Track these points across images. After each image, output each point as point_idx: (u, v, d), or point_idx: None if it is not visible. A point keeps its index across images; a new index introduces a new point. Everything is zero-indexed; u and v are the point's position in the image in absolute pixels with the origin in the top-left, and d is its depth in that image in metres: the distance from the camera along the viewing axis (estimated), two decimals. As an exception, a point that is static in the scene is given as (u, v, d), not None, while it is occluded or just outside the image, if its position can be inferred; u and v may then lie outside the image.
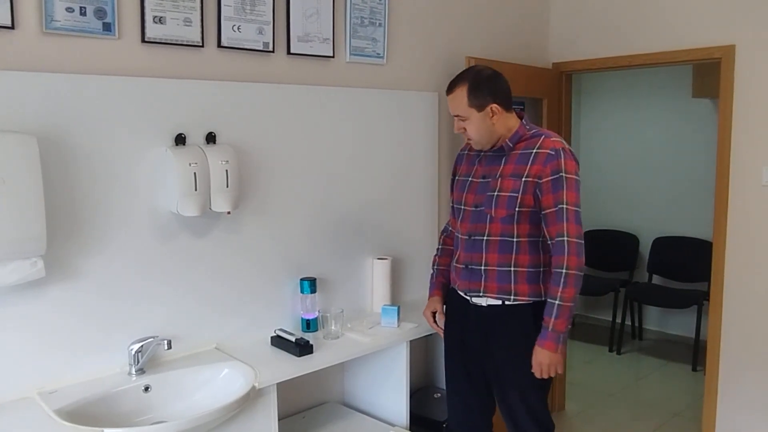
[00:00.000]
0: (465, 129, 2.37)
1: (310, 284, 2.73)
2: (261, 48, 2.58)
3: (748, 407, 3.40)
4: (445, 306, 2.62)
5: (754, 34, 3.23)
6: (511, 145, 2.36)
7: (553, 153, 2.27)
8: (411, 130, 3.20)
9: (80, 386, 2.15)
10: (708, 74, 4.52)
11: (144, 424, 2.13)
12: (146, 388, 2.21)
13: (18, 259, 1.95)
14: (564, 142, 2.34)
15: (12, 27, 1.98)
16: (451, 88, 2.37)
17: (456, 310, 2.54)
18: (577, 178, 2.29)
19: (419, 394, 3.14)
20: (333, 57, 2.84)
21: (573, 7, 3.90)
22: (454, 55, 3.37)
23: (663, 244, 5.37)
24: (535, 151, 2.31)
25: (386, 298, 3.03)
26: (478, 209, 2.40)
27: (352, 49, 2.91)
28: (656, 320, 5.61)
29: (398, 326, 2.81)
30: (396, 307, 2.84)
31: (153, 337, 2.28)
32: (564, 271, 2.24)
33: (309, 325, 2.74)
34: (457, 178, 2.59)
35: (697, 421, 3.75)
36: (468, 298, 2.45)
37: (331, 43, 2.81)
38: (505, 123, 2.36)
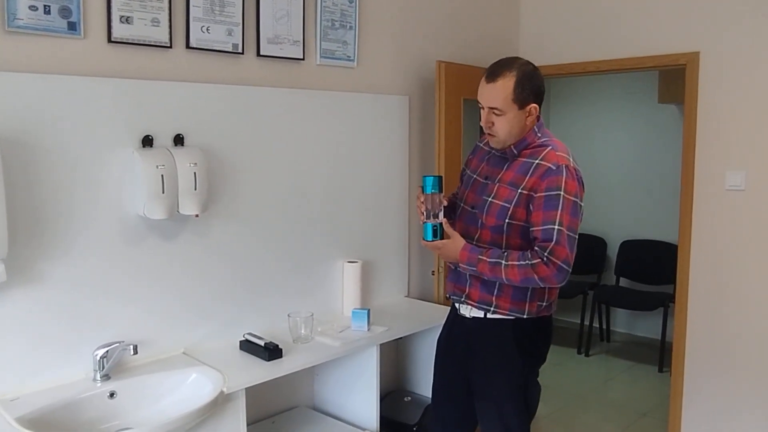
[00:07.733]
0: (493, 124, 2.18)
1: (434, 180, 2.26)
2: (230, 49, 2.56)
3: (713, 407, 3.46)
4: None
5: (718, 41, 3.30)
6: (515, 152, 2.22)
7: (554, 168, 2.12)
8: (382, 134, 3.20)
9: (43, 393, 2.10)
10: (673, 80, 4.60)
11: (109, 431, 2.09)
12: (111, 395, 2.17)
13: (-22, 263, 1.90)
14: (571, 158, 2.18)
15: (-27, 25, 1.94)
16: (494, 76, 2.15)
17: (449, 319, 2.48)
18: (576, 200, 2.11)
19: (389, 397, 3.14)
20: (303, 59, 2.83)
21: (542, 13, 3.94)
22: (424, 59, 3.38)
23: (630, 247, 5.45)
24: (536, 162, 2.16)
25: (356, 302, 3.02)
26: (473, 211, 2.30)
27: (323, 51, 2.90)
28: (624, 322, 5.68)
29: (368, 330, 2.80)
30: (366, 311, 2.83)
31: (119, 342, 2.23)
32: (531, 269, 2.07)
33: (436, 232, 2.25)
34: (466, 171, 2.46)
35: (663, 421, 3.80)
36: (457, 307, 2.39)
37: (302, 45, 2.80)
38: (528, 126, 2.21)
